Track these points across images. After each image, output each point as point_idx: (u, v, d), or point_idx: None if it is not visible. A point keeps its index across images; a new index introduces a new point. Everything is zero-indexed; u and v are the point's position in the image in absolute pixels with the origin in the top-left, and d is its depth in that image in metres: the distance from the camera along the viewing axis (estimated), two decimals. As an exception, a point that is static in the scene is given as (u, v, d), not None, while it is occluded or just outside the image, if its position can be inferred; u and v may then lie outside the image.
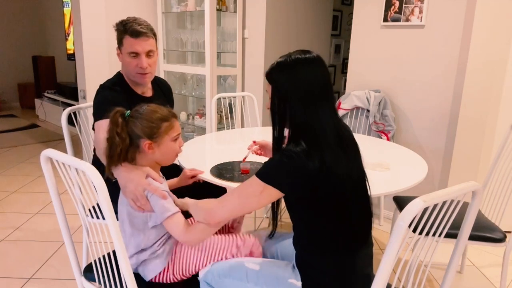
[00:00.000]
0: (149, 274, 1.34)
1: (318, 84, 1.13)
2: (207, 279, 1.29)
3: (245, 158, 1.65)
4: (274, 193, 1.10)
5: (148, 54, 1.73)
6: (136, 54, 1.71)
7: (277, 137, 1.20)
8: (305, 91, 1.12)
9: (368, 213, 1.22)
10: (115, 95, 1.72)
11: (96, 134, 1.64)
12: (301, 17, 3.75)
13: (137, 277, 1.36)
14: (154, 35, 1.76)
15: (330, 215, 1.14)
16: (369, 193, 1.23)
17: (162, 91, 2.01)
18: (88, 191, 1.23)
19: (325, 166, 1.07)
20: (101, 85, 1.79)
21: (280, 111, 1.16)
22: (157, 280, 1.35)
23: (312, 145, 1.09)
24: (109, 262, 1.24)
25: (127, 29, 1.68)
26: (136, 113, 1.28)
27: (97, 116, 1.67)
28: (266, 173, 1.10)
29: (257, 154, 1.66)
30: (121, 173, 1.28)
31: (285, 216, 2.90)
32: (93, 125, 1.81)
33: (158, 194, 1.24)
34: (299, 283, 1.19)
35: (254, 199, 1.11)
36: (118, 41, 1.75)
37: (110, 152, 1.26)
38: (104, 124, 1.61)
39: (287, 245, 1.42)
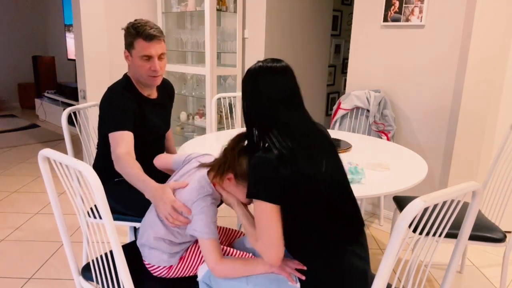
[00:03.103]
0: (153, 260, 1.35)
1: (280, 92, 1.17)
2: (206, 280, 1.29)
3: None
4: (265, 206, 1.11)
5: (160, 57, 1.75)
6: (149, 57, 1.72)
7: (250, 139, 1.23)
8: (270, 96, 1.17)
9: (357, 211, 1.22)
10: (127, 102, 1.72)
11: (114, 147, 1.61)
12: (301, 17, 3.75)
13: (136, 273, 1.36)
14: (164, 37, 1.78)
15: (315, 217, 1.15)
16: (352, 192, 1.24)
17: (167, 93, 2.02)
18: (86, 191, 1.23)
19: (300, 170, 1.09)
20: (111, 89, 1.77)
21: (245, 114, 1.22)
22: (157, 272, 1.36)
23: (283, 148, 1.11)
24: (106, 262, 1.24)
25: (140, 33, 1.68)
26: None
27: (114, 126, 1.65)
28: (248, 190, 1.14)
29: None
30: (151, 193, 1.35)
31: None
32: (100, 128, 1.80)
33: (183, 210, 1.26)
34: (298, 285, 1.19)
35: (264, 217, 1.11)
36: (129, 44, 1.73)
37: (219, 160, 1.29)
38: (123, 137, 1.61)
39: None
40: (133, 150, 1.61)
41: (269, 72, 1.19)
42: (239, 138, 1.30)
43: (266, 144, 1.17)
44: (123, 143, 1.60)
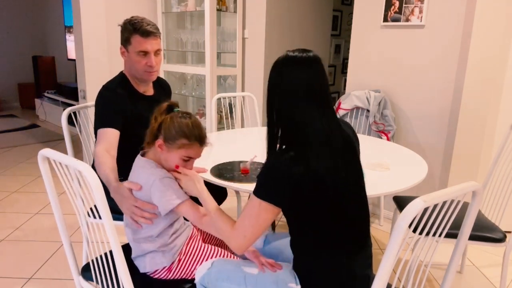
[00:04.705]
0: (148, 267, 1.35)
1: (305, 85, 1.11)
2: (204, 282, 1.29)
3: (244, 168, 1.63)
4: (269, 207, 1.09)
5: (156, 52, 1.77)
6: (145, 53, 1.74)
7: (270, 135, 1.18)
8: (289, 90, 1.11)
9: (365, 215, 1.21)
10: (119, 100, 1.74)
11: (96, 143, 1.65)
12: (301, 17, 3.75)
13: (136, 273, 1.36)
14: (160, 34, 1.80)
15: (324, 218, 1.13)
16: (366, 195, 1.22)
17: (164, 90, 2.03)
18: (86, 191, 1.23)
19: (310, 170, 1.06)
20: (104, 86, 1.80)
21: (269, 107, 1.16)
22: (157, 275, 1.36)
23: (299, 148, 1.09)
24: (106, 262, 1.24)
25: (137, 29, 1.71)
26: (178, 114, 1.30)
27: (100, 123, 1.68)
28: (257, 188, 1.11)
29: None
30: (112, 193, 1.37)
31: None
32: (95, 129, 1.81)
33: (147, 207, 1.28)
34: (298, 287, 1.19)
35: (261, 216, 1.10)
36: (125, 39, 1.75)
37: (148, 130, 1.33)
38: (106, 134, 1.63)
39: (286, 245, 1.42)
40: (113, 148, 1.63)
41: (292, 63, 1.12)
42: (165, 107, 1.31)
43: (284, 140, 1.14)
44: (104, 140, 1.63)
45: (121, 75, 1.85)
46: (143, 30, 1.70)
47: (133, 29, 1.71)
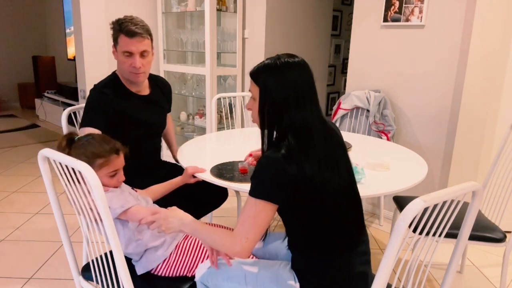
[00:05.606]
0: (149, 265, 1.35)
1: (306, 87, 1.14)
2: (204, 280, 1.29)
3: (242, 168, 1.63)
4: (266, 206, 1.09)
5: (142, 54, 1.73)
6: (130, 54, 1.72)
7: (267, 141, 1.18)
8: (294, 94, 1.13)
9: (359, 212, 1.22)
10: (102, 99, 1.74)
11: None
12: (301, 17, 3.75)
13: (135, 273, 1.37)
14: (150, 35, 1.75)
15: (320, 218, 1.14)
16: (358, 192, 1.23)
17: (161, 90, 2.01)
18: (85, 191, 1.23)
19: (304, 173, 1.07)
20: (94, 86, 1.81)
21: (269, 114, 1.16)
22: (156, 271, 1.37)
23: (294, 149, 1.09)
24: (106, 262, 1.24)
25: (123, 29, 1.68)
26: (78, 142, 1.30)
27: (81, 122, 1.72)
28: (252, 188, 1.11)
29: (252, 165, 1.64)
30: None
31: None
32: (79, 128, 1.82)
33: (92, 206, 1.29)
34: (297, 285, 1.19)
35: (260, 216, 1.10)
36: (114, 39, 1.75)
37: None
38: (83, 133, 1.65)
39: (285, 244, 1.42)
40: None
41: (289, 67, 1.14)
42: (65, 142, 1.31)
43: (280, 143, 1.14)
44: None
45: (113, 75, 1.85)
46: (127, 30, 1.67)
47: (119, 29, 1.70)
